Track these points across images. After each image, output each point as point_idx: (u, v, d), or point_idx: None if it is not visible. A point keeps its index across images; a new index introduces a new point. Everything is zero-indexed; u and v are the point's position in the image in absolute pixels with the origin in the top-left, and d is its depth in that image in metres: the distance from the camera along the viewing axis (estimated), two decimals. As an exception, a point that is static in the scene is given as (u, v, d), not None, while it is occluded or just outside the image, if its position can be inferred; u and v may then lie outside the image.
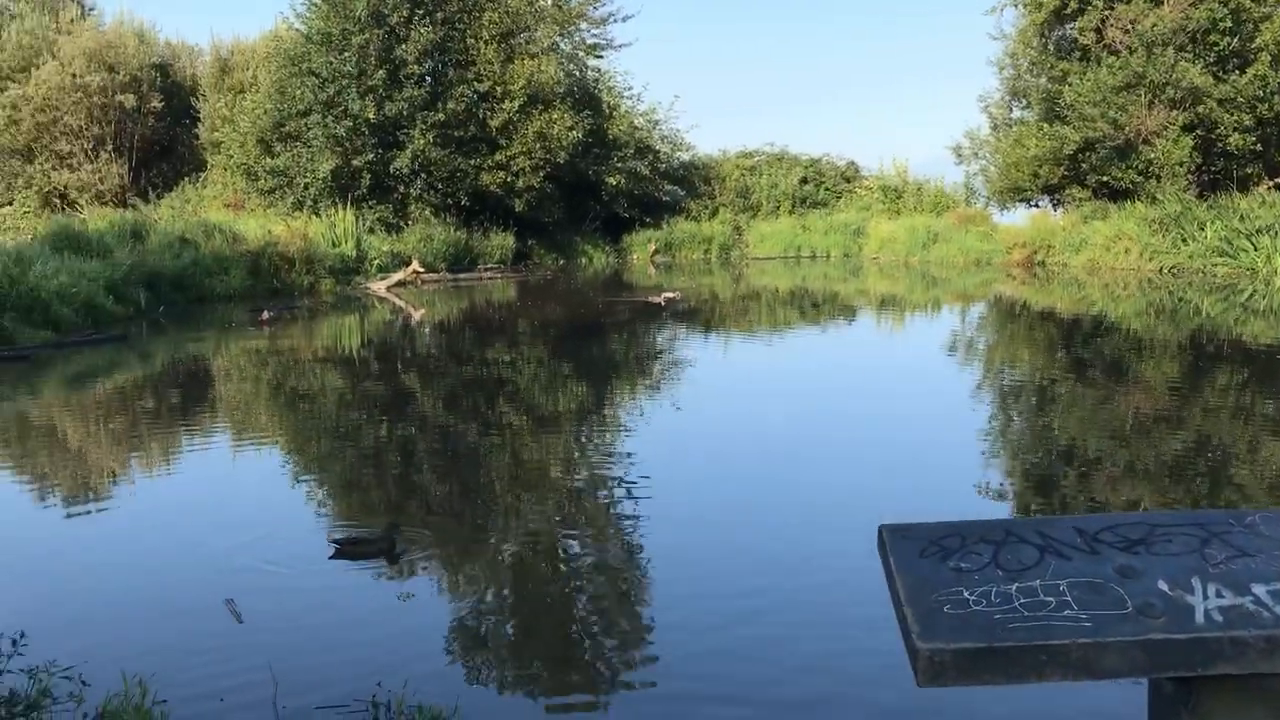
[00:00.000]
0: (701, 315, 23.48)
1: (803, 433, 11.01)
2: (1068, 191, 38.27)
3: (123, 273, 22.76)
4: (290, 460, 10.43)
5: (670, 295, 26.35)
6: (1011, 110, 41.94)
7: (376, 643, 5.63)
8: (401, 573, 6.77)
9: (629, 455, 9.86)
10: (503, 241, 37.75)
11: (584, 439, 10.92)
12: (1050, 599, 1.27)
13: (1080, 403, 12.61)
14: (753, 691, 5.05)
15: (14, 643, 4.84)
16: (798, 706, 4.90)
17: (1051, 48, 38.48)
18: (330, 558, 6.91)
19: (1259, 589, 1.30)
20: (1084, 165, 36.42)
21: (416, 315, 24.35)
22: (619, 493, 8.57)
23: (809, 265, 41.07)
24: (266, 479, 9.56)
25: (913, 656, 1.22)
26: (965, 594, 1.28)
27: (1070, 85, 35.83)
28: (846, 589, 6.33)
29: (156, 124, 43.79)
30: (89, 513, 8.49)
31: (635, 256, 43.57)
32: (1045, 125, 37.40)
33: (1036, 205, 41.35)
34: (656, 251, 43.87)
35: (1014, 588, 1.29)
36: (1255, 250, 29.95)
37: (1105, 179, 35.93)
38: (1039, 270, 34.55)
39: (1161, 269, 31.48)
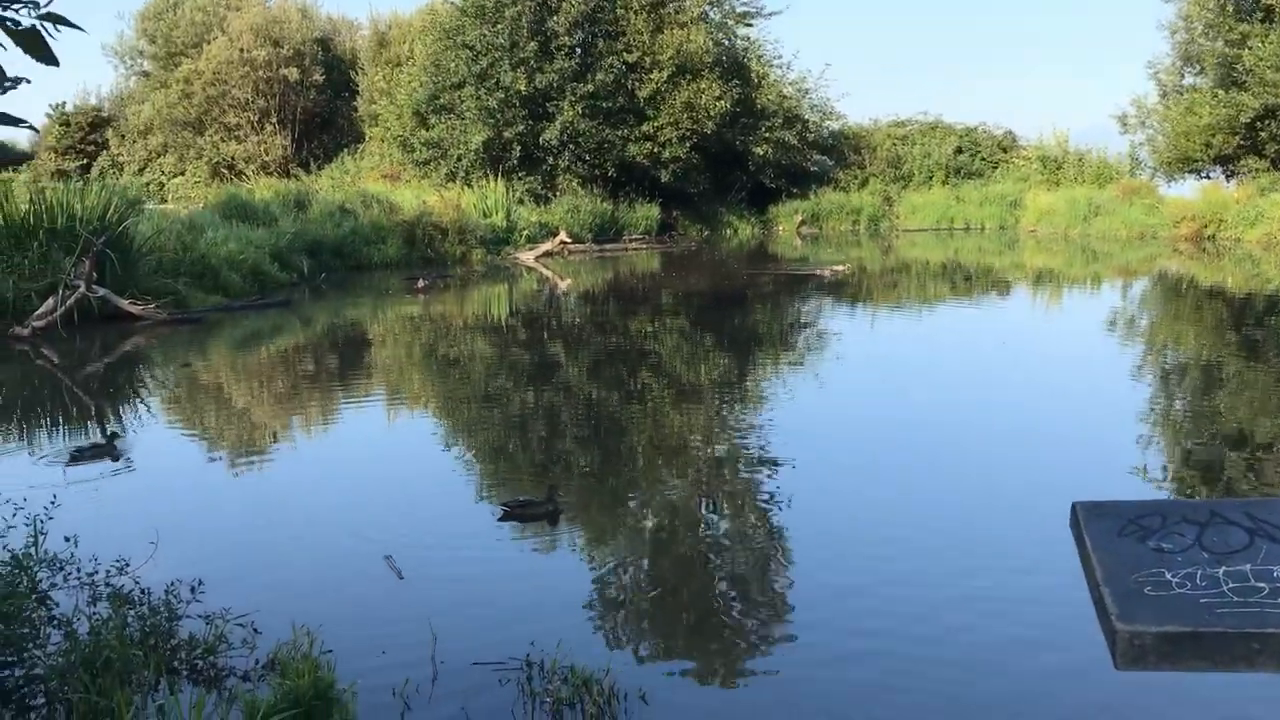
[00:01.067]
0: (849, 288, 23.10)
1: (953, 411, 10.73)
2: (1243, 162, 36.17)
3: (286, 240, 23.73)
4: (444, 424, 10.73)
5: (838, 268, 26.05)
6: (1183, 76, 39.80)
7: (529, 604, 5.76)
8: (554, 537, 6.90)
9: (772, 427, 9.80)
10: (648, 212, 37.89)
11: (726, 410, 10.90)
12: (1263, 585, 1.20)
13: (1255, 385, 11.94)
14: (896, 684, 4.97)
15: (192, 590, 5.15)
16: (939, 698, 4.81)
17: (1230, 9, 36.27)
18: (499, 520, 7.12)
19: None
20: (1262, 134, 34.33)
21: (563, 285, 24.69)
22: (761, 466, 8.54)
23: (962, 238, 39.95)
24: (422, 441, 9.87)
25: (1110, 639, 1.16)
26: (1168, 575, 1.22)
27: (1250, 48, 33.76)
28: (992, 575, 6.17)
29: (317, 97, 45.46)
30: (255, 469, 8.91)
31: (781, 228, 43.13)
32: (1220, 92, 35.38)
33: (1207, 177, 39.23)
34: (803, 223, 43.32)
35: (1221, 571, 1.22)
36: None
37: (1286, 148, 33.85)
38: (1208, 245, 32.79)
39: (1346, 245, 29.51)
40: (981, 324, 17.93)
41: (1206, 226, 34.58)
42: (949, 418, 10.34)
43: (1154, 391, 11.95)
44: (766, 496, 7.74)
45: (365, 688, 4.61)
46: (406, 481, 8.41)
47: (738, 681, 4.99)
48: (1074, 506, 1.35)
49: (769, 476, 8.21)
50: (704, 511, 7.40)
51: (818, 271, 25.94)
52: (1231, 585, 1.20)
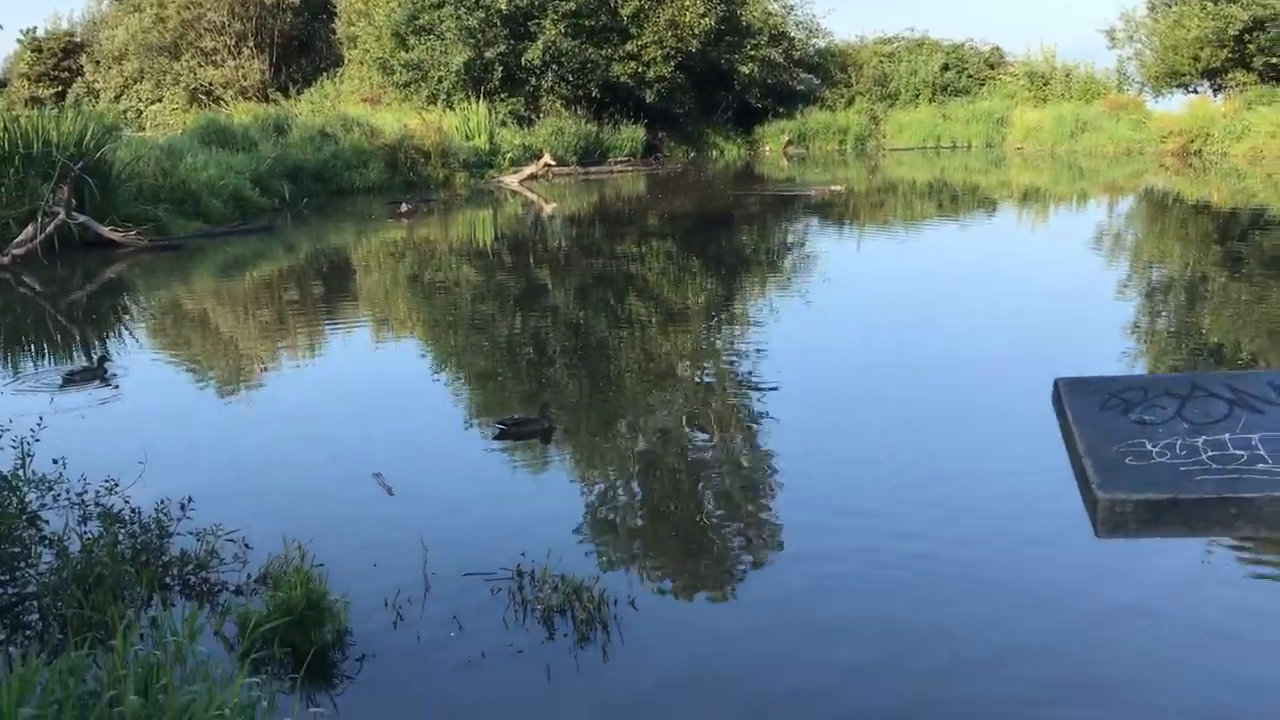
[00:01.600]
0: (836, 208, 22.99)
1: (938, 331, 10.75)
2: (1230, 75, 35.86)
3: (267, 166, 23.45)
4: (432, 349, 10.73)
5: (833, 188, 25.90)
6: (1172, -11, 39.26)
7: (520, 520, 5.82)
8: (545, 458, 6.94)
9: (759, 350, 9.82)
10: (633, 134, 37.47)
11: (714, 332, 10.92)
12: (1241, 452, 1.21)
13: (1235, 300, 11.99)
14: (880, 592, 5.05)
15: (182, 507, 5.17)
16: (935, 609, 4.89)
17: (1220, -81, 35.69)
18: (495, 438, 7.16)
19: None
20: (1250, 46, 33.99)
21: (548, 209, 24.52)
22: (749, 387, 8.58)
23: (949, 156, 39.69)
24: (410, 366, 9.87)
25: (1091, 508, 1.18)
26: (1148, 446, 1.23)
27: (1239, -41, 33.29)
28: (984, 490, 6.25)
29: (295, 19, 44.55)
30: (243, 393, 8.92)
31: (768, 148, 42.74)
32: (1209, 4, 34.94)
33: (1195, 91, 38.91)
34: (790, 143, 42.93)
35: (1201, 440, 1.23)
36: None
37: (1274, 60, 33.52)
38: (1194, 160, 32.67)
39: (1333, 159, 29.43)
40: (967, 243, 17.90)
41: (1193, 141, 34.41)
42: (935, 330, 10.38)
43: (1140, 304, 11.99)
44: (755, 416, 7.78)
45: (357, 599, 4.67)
46: (394, 404, 8.43)
47: (726, 592, 5.07)
48: (1056, 383, 1.36)
49: (758, 397, 8.25)
50: (693, 431, 7.45)
51: (810, 192, 25.79)
52: (1211, 454, 1.21)
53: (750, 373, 8.91)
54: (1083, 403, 1.31)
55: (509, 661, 4.39)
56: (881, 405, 7.91)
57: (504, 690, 4.22)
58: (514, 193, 27.87)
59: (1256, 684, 4.18)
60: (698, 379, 8.94)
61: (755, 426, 7.48)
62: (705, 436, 7.32)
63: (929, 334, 10.34)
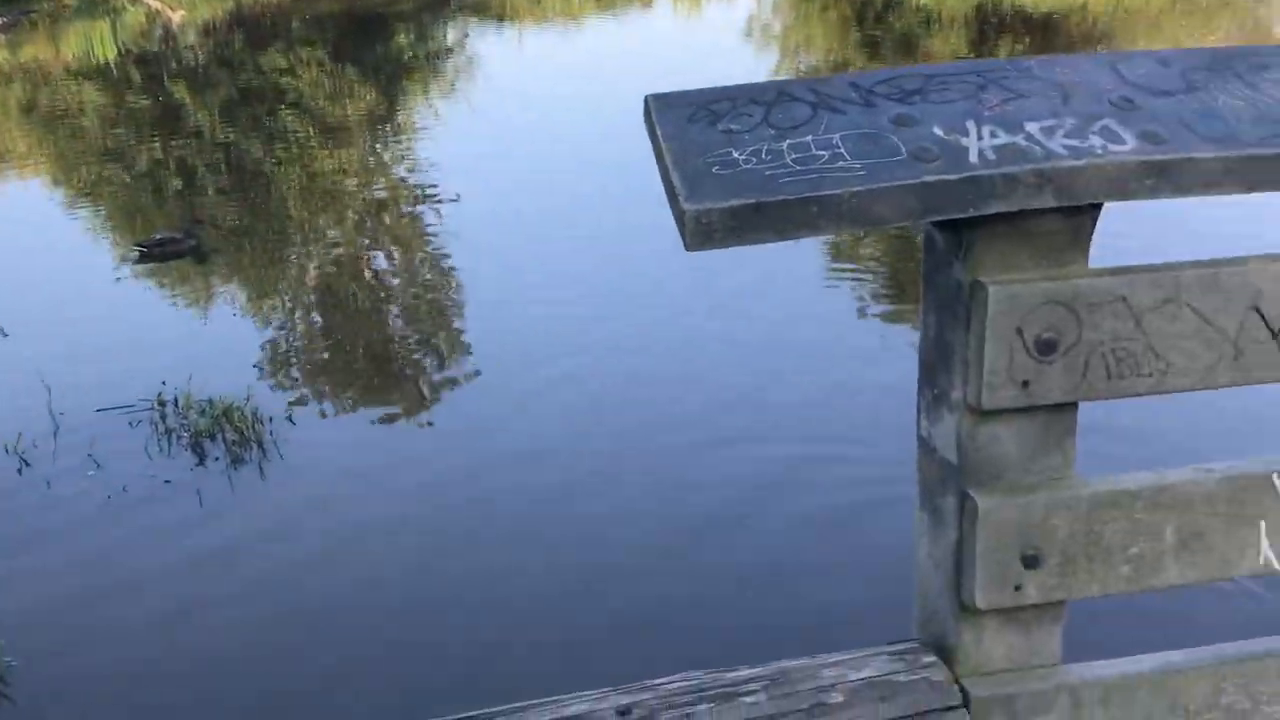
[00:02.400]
0: (493, 7, 22.21)
1: (602, 126, 10.69)
2: None
3: None
4: (60, 183, 9.57)
5: None
6: None
7: (158, 346, 5.36)
8: (192, 280, 6.42)
9: (432, 162, 9.43)
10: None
11: (381, 146, 10.41)
12: (823, 152, 1.20)
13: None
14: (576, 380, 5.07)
15: None
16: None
17: None
18: (136, 262, 6.51)
19: (1031, 126, 1.27)
20: None
21: (176, 18, 22.19)
22: (423, 203, 8.24)
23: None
24: (33, 208, 8.76)
25: (680, 222, 1.12)
26: (735, 154, 1.19)
27: None
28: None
29: None
30: None
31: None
32: None
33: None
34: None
35: (785, 144, 1.21)
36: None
37: None
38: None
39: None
40: (625, 38, 17.89)
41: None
42: (599, 125, 10.30)
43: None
44: (426, 234, 7.50)
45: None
46: (13, 246, 7.49)
47: (389, 409, 4.93)
48: (646, 100, 1.28)
49: (437, 212, 7.92)
50: (368, 251, 7.11)
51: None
52: (794, 156, 1.19)
53: (426, 186, 8.56)
54: (670, 117, 1.25)
55: (156, 493, 4.13)
56: (563, 208, 7.74)
57: (151, 524, 3.96)
58: (133, 1, 24.98)
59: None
60: (369, 196, 8.50)
61: (436, 243, 7.22)
62: (381, 255, 7.02)
63: (595, 130, 10.29)
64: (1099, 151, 1.25)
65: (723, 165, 1.17)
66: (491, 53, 16.24)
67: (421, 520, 4.00)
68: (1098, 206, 1.32)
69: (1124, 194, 1.28)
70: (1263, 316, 1.36)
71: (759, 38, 17.29)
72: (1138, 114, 1.31)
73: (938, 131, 1.25)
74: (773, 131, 1.22)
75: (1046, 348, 1.32)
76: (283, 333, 5.82)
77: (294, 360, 5.42)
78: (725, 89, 1.32)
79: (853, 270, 6.22)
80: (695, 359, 5.18)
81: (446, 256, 7.03)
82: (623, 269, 6.40)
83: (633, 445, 4.48)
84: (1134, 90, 1.36)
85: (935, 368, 1.43)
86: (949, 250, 1.35)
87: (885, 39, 16.04)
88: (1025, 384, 1.32)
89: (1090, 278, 1.32)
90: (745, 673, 1.38)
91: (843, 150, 1.22)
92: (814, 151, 1.19)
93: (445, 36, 18.70)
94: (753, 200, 1.14)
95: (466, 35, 18.77)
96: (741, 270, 5.65)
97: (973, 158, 1.23)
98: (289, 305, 6.22)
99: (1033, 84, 1.34)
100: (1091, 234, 1.36)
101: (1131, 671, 1.48)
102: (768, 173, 1.17)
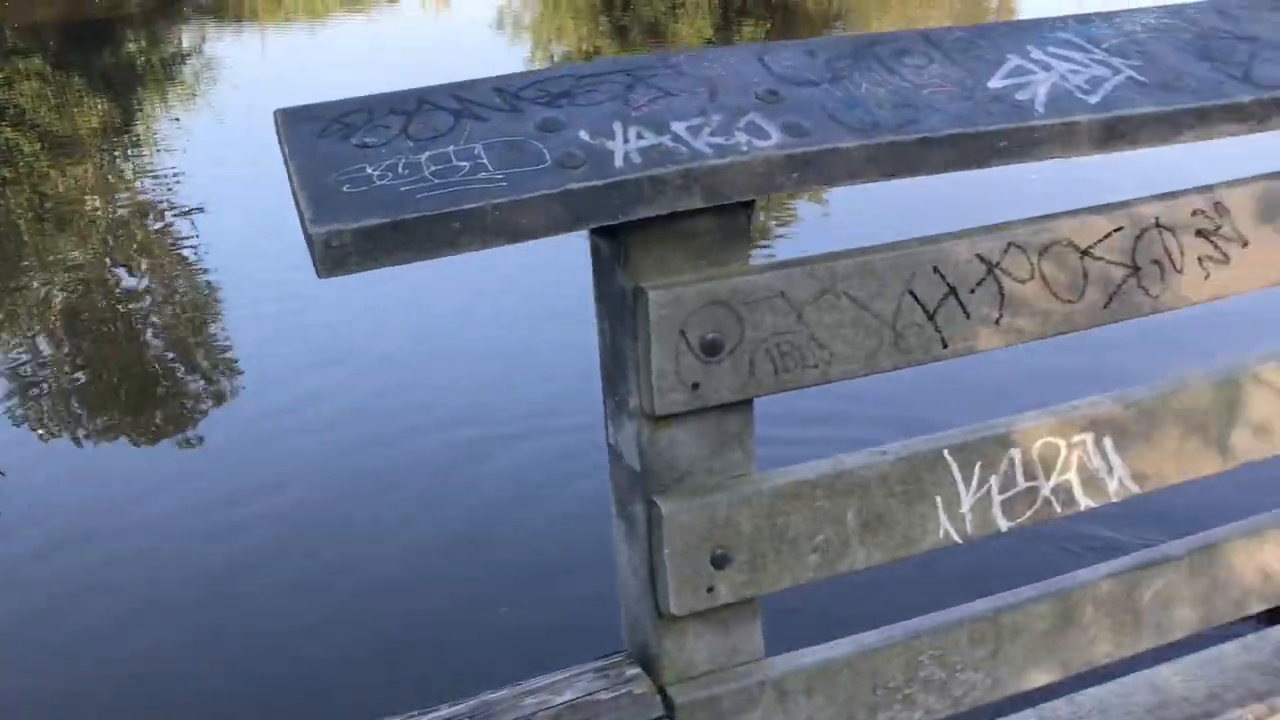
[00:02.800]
0: (230, 8, 21.18)
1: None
2: None
3: None
4: None
5: None
6: None
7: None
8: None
9: (177, 174, 8.94)
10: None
11: (119, 160, 9.77)
12: (464, 163, 1.14)
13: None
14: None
15: None
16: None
17: None
18: None
19: (678, 126, 1.25)
20: None
21: None
22: (171, 215, 7.81)
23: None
24: None
25: (311, 246, 1.03)
26: (369, 170, 1.12)
27: None
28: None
29: None
30: None
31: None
32: None
33: None
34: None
35: (424, 157, 1.14)
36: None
37: None
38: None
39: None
40: (375, 35, 17.45)
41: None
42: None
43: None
44: (176, 248, 7.10)
45: None
46: None
47: (141, 435, 4.64)
48: (275, 115, 1.19)
49: (184, 222, 7.51)
50: (113, 267, 6.65)
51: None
52: (434, 169, 1.13)
53: (172, 198, 8.10)
54: (300, 133, 1.15)
55: None
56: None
57: None
58: None
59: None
60: (112, 213, 7.96)
61: (189, 256, 6.84)
62: (126, 270, 6.57)
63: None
64: (744, 149, 1.26)
65: (354, 183, 1.09)
66: (232, 56, 15.49)
67: (149, 555, 3.83)
68: (749, 204, 1.32)
69: (771, 189, 1.29)
70: (917, 299, 1.40)
71: (510, 29, 17.20)
72: (782, 106, 1.32)
73: (584, 136, 1.22)
74: (411, 144, 1.15)
75: (712, 348, 1.32)
76: (23, 366, 5.38)
77: (34, 393, 5.01)
78: (363, 99, 1.25)
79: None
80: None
81: (202, 270, 6.72)
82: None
83: (396, 460, 4.42)
84: (779, 82, 1.37)
85: (614, 376, 1.41)
86: (612, 257, 1.33)
87: (634, 25, 16.25)
88: (695, 386, 1.32)
89: (747, 275, 1.32)
90: (445, 711, 1.32)
91: (485, 160, 1.16)
92: (455, 163, 1.13)
93: (181, 41, 17.70)
94: (388, 219, 1.07)
95: (204, 39, 17.83)
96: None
97: (618, 162, 1.21)
98: (28, 337, 5.75)
99: (681, 81, 1.34)
100: (748, 230, 1.36)
101: (831, 656, 1.51)
102: (404, 188, 1.10)
